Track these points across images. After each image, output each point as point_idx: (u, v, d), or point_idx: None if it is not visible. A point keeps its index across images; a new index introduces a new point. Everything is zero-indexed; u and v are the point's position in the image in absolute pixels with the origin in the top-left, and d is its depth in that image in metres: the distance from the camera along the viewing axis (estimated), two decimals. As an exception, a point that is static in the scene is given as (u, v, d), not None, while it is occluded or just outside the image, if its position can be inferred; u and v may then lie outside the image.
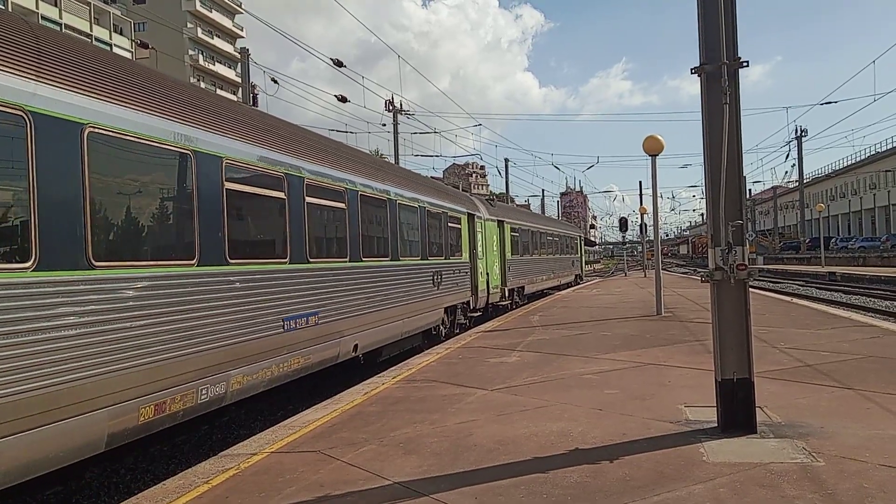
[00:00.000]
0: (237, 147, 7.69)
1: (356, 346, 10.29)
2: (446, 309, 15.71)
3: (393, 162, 31.80)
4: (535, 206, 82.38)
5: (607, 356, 10.54)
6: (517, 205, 61.68)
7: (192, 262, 6.73)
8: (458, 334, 15.65)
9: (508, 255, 22.78)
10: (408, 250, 13.26)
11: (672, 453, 5.42)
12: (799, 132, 70.55)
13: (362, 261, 10.74)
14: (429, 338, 14.73)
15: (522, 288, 24.98)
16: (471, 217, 18.66)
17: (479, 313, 18.84)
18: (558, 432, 6.21)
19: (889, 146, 73.55)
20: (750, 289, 6.11)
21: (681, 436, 5.91)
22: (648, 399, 7.41)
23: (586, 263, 76.48)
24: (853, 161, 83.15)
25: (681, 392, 7.67)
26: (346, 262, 10.23)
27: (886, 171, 72.41)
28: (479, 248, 19.25)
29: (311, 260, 9.10)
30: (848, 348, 10.31)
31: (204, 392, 6.74)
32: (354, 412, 7.58)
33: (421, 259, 13.94)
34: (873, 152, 77.44)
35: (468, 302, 17.84)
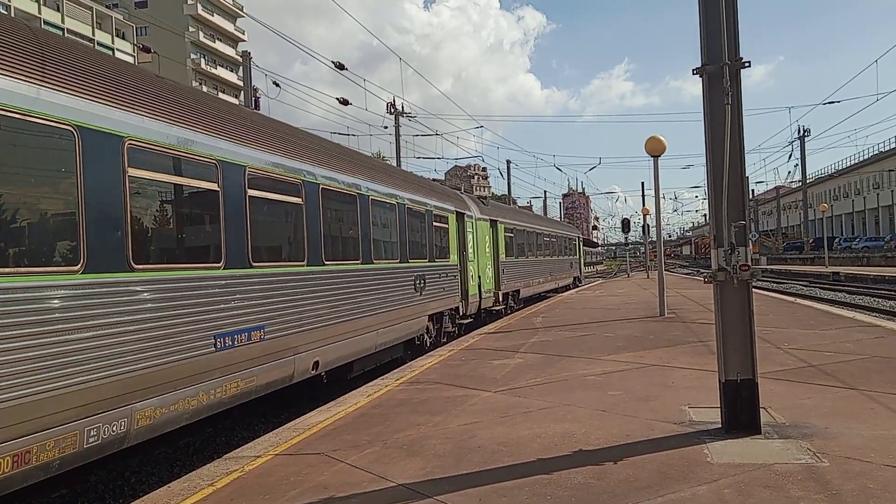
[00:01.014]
0: (148, 126, 6.27)
1: (316, 363, 9.02)
2: (431, 316, 14.37)
3: (395, 164, 31.71)
4: (537, 207, 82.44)
5: (610, 357, 10.53)
6: (519, 206, 61.69)
7: (76, 268, 5.33)
8: (445, 343, 14.59)
9: (502, 256, 21.68)
10: (383, 252, 11.92)
11: (676, 454, 5.41)
12: (802, 132, 70.59)
13: (325, 264, 9.40)
14: (412, 348, 13.52)
15: (518, 292, 23.83)
16: (460, 216, 17.38)
17: (469, 320, 17.71)
18: (562, 434, 6.20)
19: (892, 145, 73.45)
20: (753, 289, 6.11)
21: (685, 437, 5.90)
22: (652, 400, 7.40)
23: (588, 265, 76.53)
24: (856, 161, 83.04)
25: (684, 393, 7.66)
26: (302, 266, 8.85)
27: (890, 170, 72.30)
28: (470, 250, 17.99)
29: (256, 264, 7.76)
30: (852, 348, 10.29)
31: (93, 434, 5.36)
32: (358, 414, 7.58)
33: (400, 262, 12.54)
34: (876, 152, 77.36)
35: (457, 308, 16.53)
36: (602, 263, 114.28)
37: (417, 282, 13.23)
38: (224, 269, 7.22)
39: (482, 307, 18.93)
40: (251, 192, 7.86)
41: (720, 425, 6.03)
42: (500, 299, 21.04)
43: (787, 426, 6.05)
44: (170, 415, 6.27)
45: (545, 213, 71.83)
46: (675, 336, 12.74)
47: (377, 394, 8.69)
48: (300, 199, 9.00)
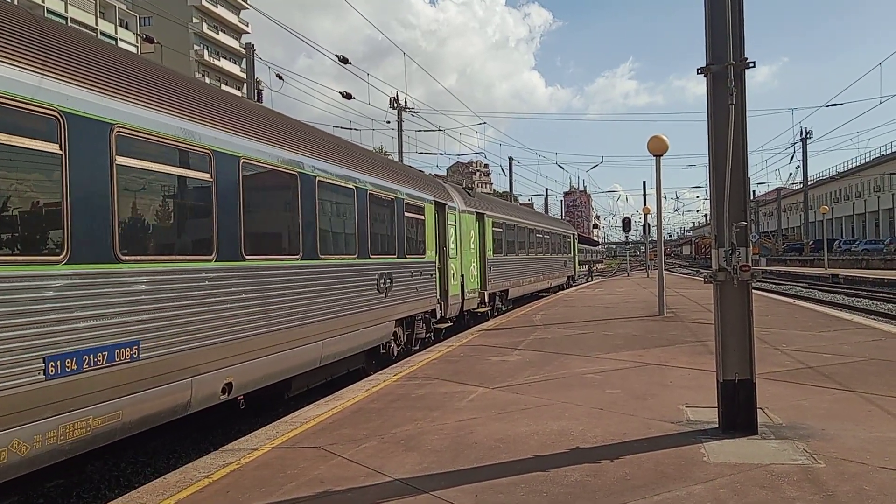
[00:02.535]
0: None
1: (229, 385, 7.22)
2: (401, 321, 12.60)
3: (397, 160, 31.52)
4: (538, 205, 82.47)
5: (609, 356, 10.54)
6: (520, 203, 61.59)
7: None
8: (417, 351, 12.92)
9: (490, 253, 19.87)
10: (335, 246, 10.06)
11: (673, 453, 5.42)
12: (804, 134, 70.50)
13: (245, 259, 7.55)
14: (377, 358, 11.79)
15: (506, 292, 22.05)
16: (440, 207, 15.42)
17: (449, 323, 15.84)
18: (559, 431, 6.21)
19: (894, 148, 73.38)
20: (753, 290, 6.11)
21: (682, 436, 5.91)
22: (650, 399, 7.41)
23: (588, 263, 76.47)
24: (858, 163, 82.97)
25: (682, 392, 7.67)
26: (209, 261, 6.96)
27: (891, 173, 72.16)
28: (452, 245, 16.10)
29: (128, 258, 5.89)
30: (850, 350, 10.30)
31: None
32: (356, 409, 7.59)
33: (358, 258, 10.61)
34: (878, 155, 77.31)
35: (433, 311, 14.59)
36: (602, 262, 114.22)
37: (382, 281, 11.41)
38: (67, 264, 5.31)
39: (465, 309, 17.30)
40: (122, 161, 5.93)
41: (717, 425, 6.03)
42: (486, 300, 19.38)
43: (784, 427, 6.06)
44: None
45: (546, 211, 71.79)
46: (673, 335, 12.75)
47: (375, 388, 8.70)
48: (208, 176, 7.07)
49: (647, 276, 41.42)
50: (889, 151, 74.60)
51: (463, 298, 16.91)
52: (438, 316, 15.07)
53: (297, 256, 8.78)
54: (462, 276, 16.94)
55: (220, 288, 7.14)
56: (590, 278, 50.18)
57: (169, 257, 6.54)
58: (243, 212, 7.61)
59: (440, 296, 15.10)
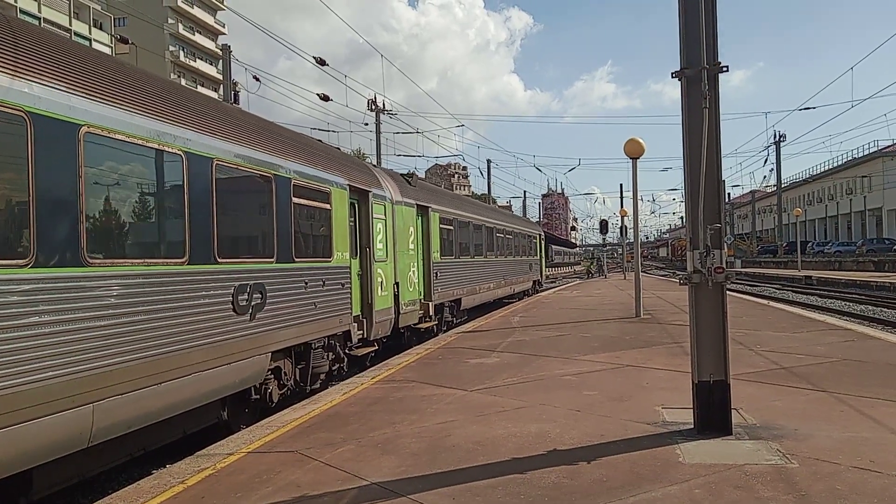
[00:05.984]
0: None
1: None
2: (287, 351, 9.07)
3: (375, 162, 31.31)
4: (516, 207, 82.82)
5: (586, 357, 10.59)
6: (499, 205, 61.60)
7: None
8: (318, 391, 9.64)
9: (436, 256, 16.54)
10: (137, 245, 6.51)
11: (648, 454, 5.45)
12: (777, 137, 71.33)
13: None
14: (245, 403, 8.36)
15: (458, 301, 18.64)
16: (362, 195, 12.09)
17: (374, 347, 12.20)
18: (536, 433, 6.22)
19: (866, 152, 74.76)
20: (727, 292, 6.17)
21: (657, 437, 5.95)
22: (626, 400, 7.46)
23: (566, 266, 76.51)
24: (830, 166, 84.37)
25: (658, 394, 7.72)
26: None
27: (863, 176, 73.51)
28: (381, 246, 12.78)
29: None
30: (823, 351, 10.45)
31: None
32: (333, 412, 7.54)
33: (189, 263, 6.86)
34: (850, 158, 78.68)
35: (348, 332, 10.99)
36: (580, 264, 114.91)
37: (242, 296, 7.76)
38: None
39: (402, 326, 13.79)
40: None
41: (692, 426, 6.08)
42: (432, 313, 15.91)
43: (758, 427, 6.12)
44: None
45: (524, 213, 71.89)
46: (650, 337, 12.85)
47: (353, 392, 8.65)
48: None
49: (625, 279, 41.73)
50: (861, 154, 75.97)
51: (398, 313, 13.52)
52: (355, 339, 11.42)
53: (21, 262, 4.95)
54: (396, 284, 13.53)
55: None
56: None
57: None
58: None
59: (362, 311, 11.81)
